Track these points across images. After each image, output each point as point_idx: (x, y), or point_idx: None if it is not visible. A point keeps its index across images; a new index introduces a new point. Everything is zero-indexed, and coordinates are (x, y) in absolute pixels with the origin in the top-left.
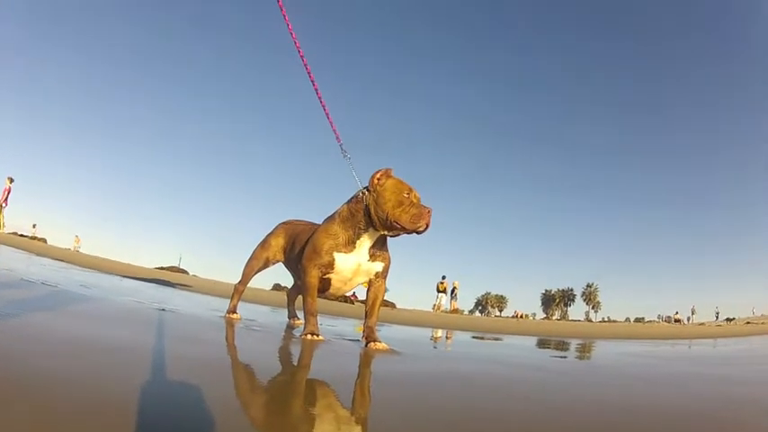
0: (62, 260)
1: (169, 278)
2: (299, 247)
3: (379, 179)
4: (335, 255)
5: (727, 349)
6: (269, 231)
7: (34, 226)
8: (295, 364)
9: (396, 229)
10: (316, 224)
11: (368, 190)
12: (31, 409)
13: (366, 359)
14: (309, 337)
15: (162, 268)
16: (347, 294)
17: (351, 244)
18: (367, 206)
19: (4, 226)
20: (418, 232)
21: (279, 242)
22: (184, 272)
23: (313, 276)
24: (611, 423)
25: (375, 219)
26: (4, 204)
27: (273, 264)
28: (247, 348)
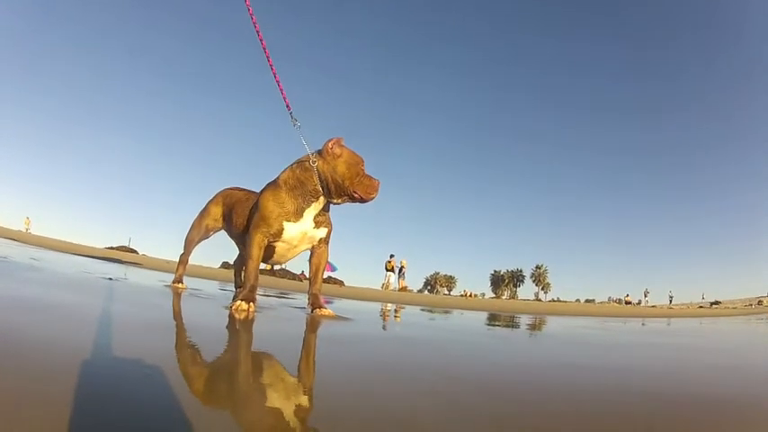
0: (12, 239)
1: (119, 256)
2: (237, 214)
3: (332, 148)
4: (285, 223)
5: (675, 326)
6: (208, 200)
7: None
8: (238, 327)
9: (351, 197)
10: (254, 192)
11: (321, 157)
12: None
13: (312, 324)
14: (239, 304)
15: (111, 248)
16: (297, 273)
17: (299, 212)
18: (320, 174)
19: None
20: (365, 201)
21: (218, 210)
22: (134, 251)
23: (259, 244)
24: (538, 377)
25: (331, 187)
26: None
27: (214, 232)
28: (191, 312)
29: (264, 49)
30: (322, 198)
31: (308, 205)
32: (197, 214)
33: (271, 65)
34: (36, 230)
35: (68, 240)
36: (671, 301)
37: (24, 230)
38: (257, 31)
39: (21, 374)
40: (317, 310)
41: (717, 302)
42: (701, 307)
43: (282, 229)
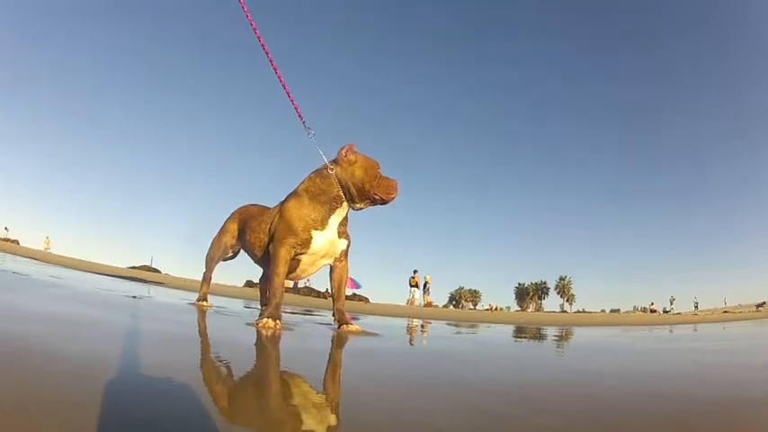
0: (33, 258)
1: (141, 276)
2: (251, 230)
3: (345, 154)
4: (313, 233)
5: (700, 332)
6: (226, 217)
7: (6, 228)
8: (265, 343)
9: (373, 200)
10: (267, 207)
11: (337, 165)
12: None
13: (340, 340)
14: (265, 321)
15: (134, 267)
16: (321, 291)
17: (324, 221)
18: (339, 180)
19: None
20: (386, 202)
21: (235, 227)
22: (157, 271)
23: (285, 258)
24: (568, 381)
25: (352, 191)
26: None
27: (233, 249)
28: (216, 328)
29: (271, 61)
30: (345, 204)
31: (333, 212)
32: (216, 232)
33: (279, 76)
34: (56, 250)
35: (89, 260)
36: (696, 307)
37: (44, 250)
38: (263, 46)
39: (45, 384)
40: (344, 326)
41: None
42: (725, 312)
43: (310, 239)
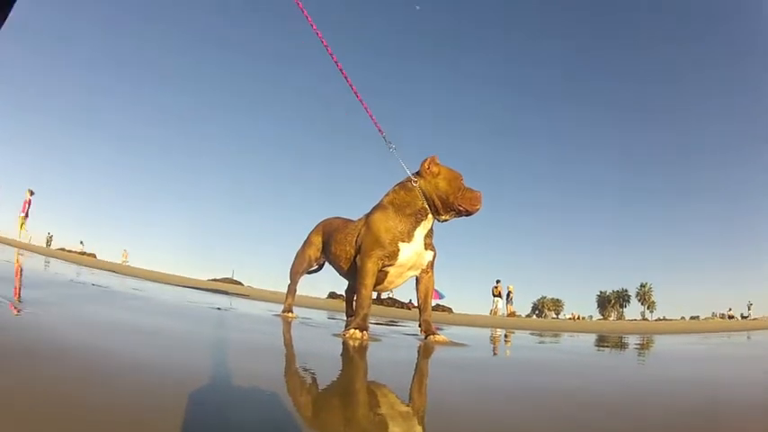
0: (112, 270)
1: (224, 288)
2: (336, 242)
3: (428, 167)
4: (400, 245)
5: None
6: (310, 230)
7: (82, 242)
8: (352, 354)
9: (458, 212)
10: (351, 220)
11: (420, 177)
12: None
13: (427, 351)
14: (353, 332)
15: (215, 280)
16: (405, 302)
17: (411, 233)
18: (423, 193)
19: (26, 237)
20: (471, 213)
21: (319, 240)
22: (239, 283)
23: (372, 271)
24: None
25: (437, 203)
26: (23, 215)
27: (317, 262)
28: (303, 339)
29: (346, 78)
30: (430, 216)
31: (418, 224)
32: (300, 245)
33: (355, 92)
34: (134, 263)
35: (169, 272)
36: None
37: (122, 263)
38: (339, 67)
39: (138, 393)
40: (431, 336)
41: None
42: None
43: (398, 251)
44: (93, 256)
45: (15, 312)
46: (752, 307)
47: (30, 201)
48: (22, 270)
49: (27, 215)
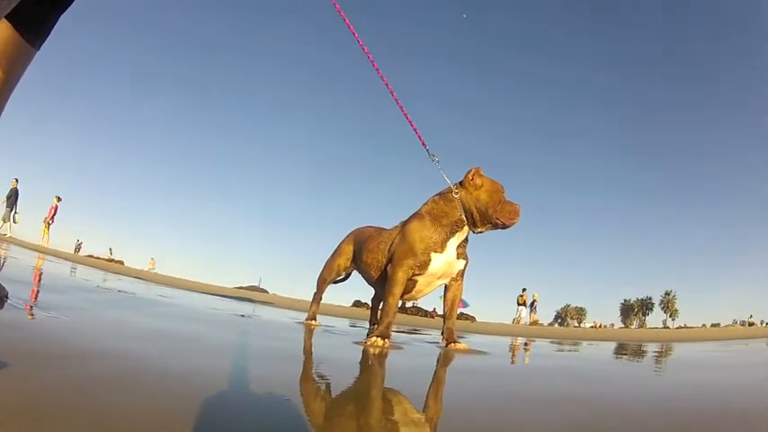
0: (139, 278)
1: (249, 296)
2: (368, 250)
3: (472, 178)
4: (432, 255)
5: None
6: (341, 240)
7: (110, 249)
8: (371, 362)
9: (495, 224)
10: (384, 228)
11: (462, 188)
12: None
13: (447, 358)
14: (374, 340)
15: (241, 288)
16: (429, 311)
17: (444, 243)
18: (463, 204)
19: (48, 242)
20: (508, 227)
21: (350, 249)
22: (265, 291)
23: (402, 280)
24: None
25: (475, 216)
26: (51, 222)
27: (346, 272)
28: (324, 346)
29: (392, 92)
30: (465, 228)
31: (453, 235)
32: (330, 254)
33: (400, 106)
34: (161, 271)
35: (195, 280)
36: None
37: (149, 270)
38: (383, 79)
39: (157, 398)
40: (452, 344)
41: None
42: None
43: (429, 261)
44: (122, 263)
45: (37, 316)
46: None
47: (56, 207)
48: (41, 275)
49: (53, 221)
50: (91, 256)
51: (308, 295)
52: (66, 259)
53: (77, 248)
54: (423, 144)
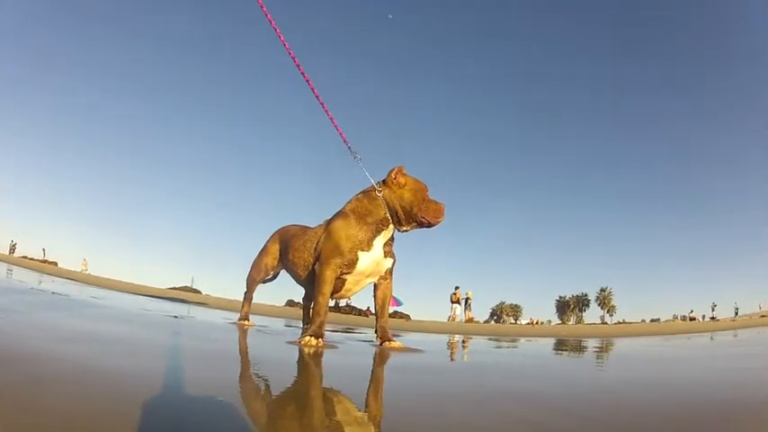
0: (72, 279)
1: (182, 296)
2: (294, 249)
3: (395, 177)
4: (359, 253)
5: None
6: (267, 238)
7: (44, 250)
8: (307, 360)
9: (420, 223)
10: (308, 227)
11: (386, 186)
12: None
13: (382, 357)
14: (308, 339)
15: (174, 288)
16: (363, 309)
17: (370, 242)
18: (387, 203)
19: None
20: (433, 225)
21: (276, 248)
22: (198, 291)
23: (330, 278)
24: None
25: (400, 214)
26: None
27: (274, 271)
28: (258, 346)
29: (313, 89)
30: (391, 226)
31: (379, 234)
32: (257, 253)
33: (321, 102)
34: (94, 272)
35: (128, 281)
36: (736, 313)
37: (82, 271)
38: (308, 82)
39: (91, 400)
40: (387, 342)
41: None
42: (762, 317)
43: (356, 260)
44: (55, 263)
45: None
46: (716, 308)
47: None
48: None
49: None
50: (25, 257)
51: (241, 295)
52: (0, 261)
53: (12, 249)
54: (344, 141)
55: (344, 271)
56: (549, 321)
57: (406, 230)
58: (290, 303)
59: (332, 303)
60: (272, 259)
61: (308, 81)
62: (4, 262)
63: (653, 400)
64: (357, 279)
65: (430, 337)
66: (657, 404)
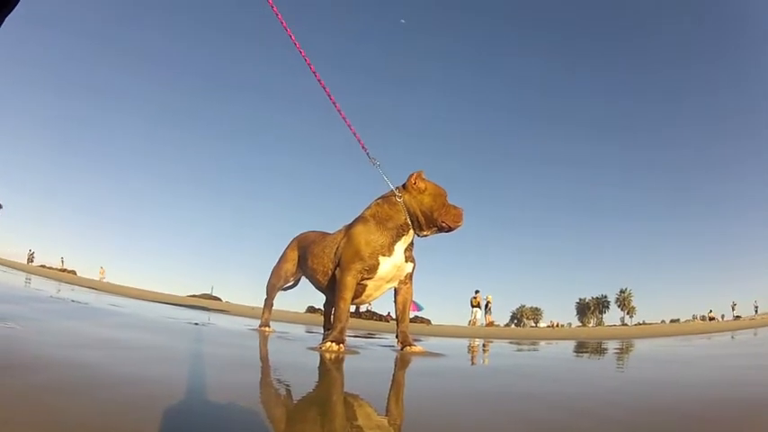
0: (92, 287)
1: (202, 303)
2: (312, 255)
3: (415, 182)
4: (380, 258)
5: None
6: (286, 245)
7: (62, 259)
8: (328, 366)
9: (440, 228)
10: (327, 233)
11: (405, 192)
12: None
13: (404, 361)
14: (329, 345)
15: (194, 296)
16: (383, 315)
17: (391, 246)
18: (407, 207)
19: None
20: (452, 230)
21: (295, 254)
22: (218, 299)
23: (351, 285)
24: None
25: (420, 219)
26: None
27: (294, 278)
28: (279, 352)
29: (329, 95)
30: (411, 231)
31: (399, 239)
32: (277, 260)
33: (338, 109)
34: (112, 280)
35: (147, 288)
36: (756, 311)
37: (99, 279)
38: (328, 95)
39: (112, 405)
40: (407, 347)
41: None
42: None
43: (377, 264)
44: (74, 272)
45: None
46: (736, 307)
47: None
48: None
49: None
50: (44, 266)
51: (261, 302)
52: (19, 270)
53: (30, 259)
54: (363, 148)
55: (365, 276)
56: (570, 324)
57: (426, 235)
58: (311, 310)
59: (352, 309)
60: (291, 265)
61: (324, 88)
62: (23, 271)
63: (672, 399)
64: (378, 284)
65: (450, 342)
66: (676, 403)
